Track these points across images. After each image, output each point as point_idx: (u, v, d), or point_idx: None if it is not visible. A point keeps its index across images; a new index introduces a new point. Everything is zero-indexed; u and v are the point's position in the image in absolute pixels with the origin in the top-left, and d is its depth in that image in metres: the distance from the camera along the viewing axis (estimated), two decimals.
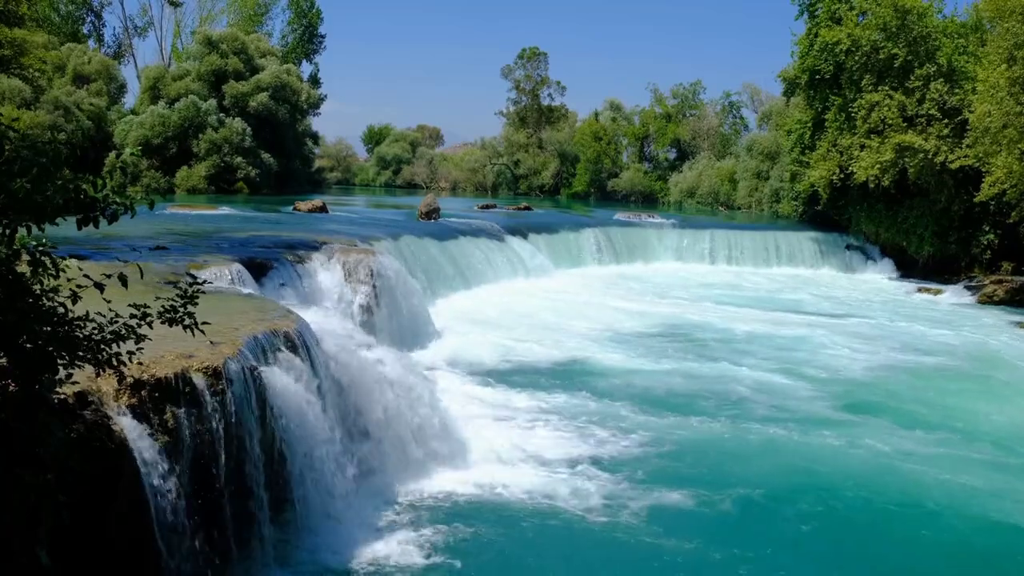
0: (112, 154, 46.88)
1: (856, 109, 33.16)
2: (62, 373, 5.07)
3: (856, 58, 32.97)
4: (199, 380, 7.23)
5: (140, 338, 5.34)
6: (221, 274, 13.43)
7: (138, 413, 6.57)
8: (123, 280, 4.90)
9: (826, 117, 35.43)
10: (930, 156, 30.88)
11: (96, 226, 4.84)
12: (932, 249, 33.24)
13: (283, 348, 8.86)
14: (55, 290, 4.96)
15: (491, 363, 16.27)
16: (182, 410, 6.98)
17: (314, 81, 69.45)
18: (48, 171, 4.63)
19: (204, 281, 5.97)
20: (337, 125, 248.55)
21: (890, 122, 32.06)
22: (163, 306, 5.56)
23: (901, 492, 10.73)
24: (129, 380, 6.48)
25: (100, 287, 5.00)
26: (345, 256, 16.93)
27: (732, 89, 73.65)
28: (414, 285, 18.72)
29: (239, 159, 49.21)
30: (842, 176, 34.03)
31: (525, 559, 8.77)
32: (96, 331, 5.15)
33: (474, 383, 14.83)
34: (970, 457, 12.10)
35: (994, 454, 12.32)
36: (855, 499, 10.50)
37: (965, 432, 13.24)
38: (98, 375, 5.43)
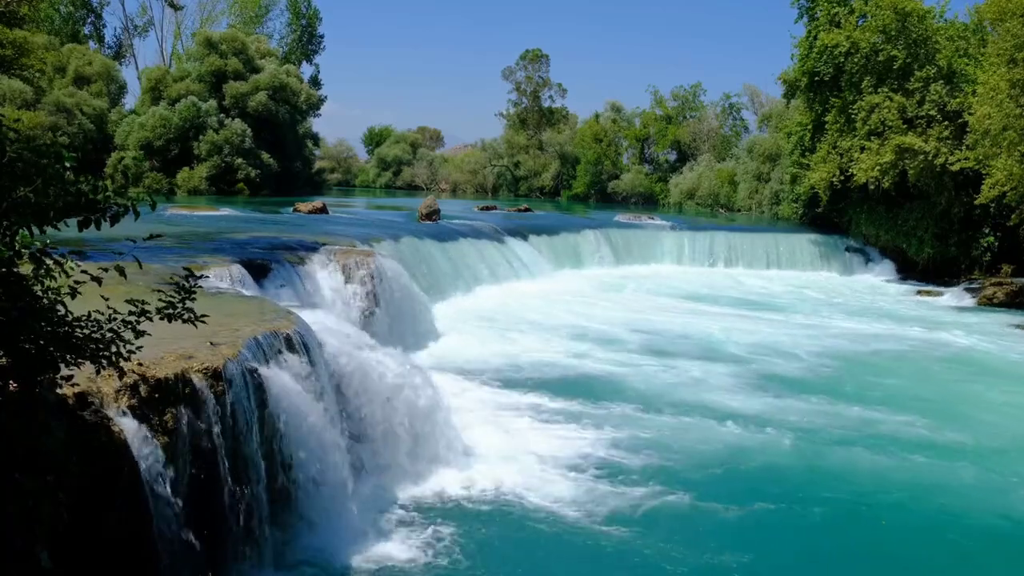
0: (114, 155, 46.93)
1: (856, 111, 33.17)
2: (63, 372, 5.07)
3: (856, 60, 33.00)
4: (199, 381, 7.24)
5: (139, 334, 5.34)
6: (222, 275, 13.43)
7: (138, 414, 6.58)
8: (120, 271, 4.89)
9: (826, 119, 35.44)
10: (930, 158, 30.87)
11: (98, 227, 4.85)
12: (932, 251, 33.22)
13: (283, 349, 8.87)
14: (54, 288, 4.96)
15: (492, 364, 16.27)
16: (182, 411, 6.99)
17: (314, 83, 69.51)
18: (51, 177, 4.63)
19: (201, 275, 5.97)
20: (338, 127, 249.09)
21: (890, 124, 32.07)
22: (160, 299, 5.54)
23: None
24: (129, 381, 6.49)
25: (98, 280, 4.99)
26: (345, 257, 16.95)
27: (732, 91, 73.66)
28: (414, 286, 18.74)
29: (240, 160, 49.25)
30: (842, 178, 34.04)
31: (525, 561, 8.76)
32: (95, 329, 5.14)
33: (475, 384, 14.82)
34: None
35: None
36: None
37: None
38: (98, 372, 5.43)
